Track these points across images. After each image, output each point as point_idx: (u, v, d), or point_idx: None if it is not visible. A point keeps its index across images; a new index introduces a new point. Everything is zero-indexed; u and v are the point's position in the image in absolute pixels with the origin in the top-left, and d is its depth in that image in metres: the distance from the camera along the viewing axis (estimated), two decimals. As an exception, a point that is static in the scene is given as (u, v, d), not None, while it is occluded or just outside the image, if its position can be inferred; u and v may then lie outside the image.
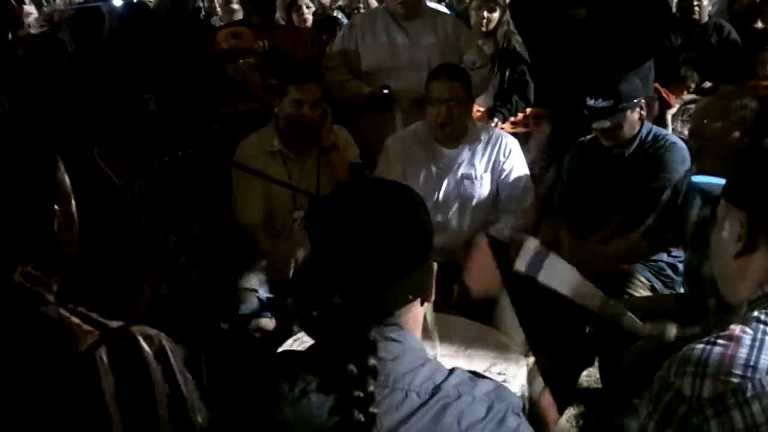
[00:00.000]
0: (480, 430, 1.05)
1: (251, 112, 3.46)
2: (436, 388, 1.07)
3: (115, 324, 1.02)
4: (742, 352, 1.18)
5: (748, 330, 1.21)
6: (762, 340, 1.19)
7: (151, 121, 2.73)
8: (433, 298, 1.19)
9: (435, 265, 1.19)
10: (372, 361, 1.05)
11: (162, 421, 0.99)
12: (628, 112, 2.93)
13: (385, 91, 3.57)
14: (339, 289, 1.11)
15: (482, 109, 4.02)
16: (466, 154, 3.14)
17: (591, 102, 2.94)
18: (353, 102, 3.63)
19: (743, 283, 1.30)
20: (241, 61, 3.55)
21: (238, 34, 3.63)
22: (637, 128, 2.98)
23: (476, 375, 1.13)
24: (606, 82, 2.97)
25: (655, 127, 3.09)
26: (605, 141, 3.00)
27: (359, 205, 1.15)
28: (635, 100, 2.95)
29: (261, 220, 3.07)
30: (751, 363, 1.17)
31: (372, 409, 1.02)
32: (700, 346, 1.21)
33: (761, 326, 1.21)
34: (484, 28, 4.13)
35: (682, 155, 2.92)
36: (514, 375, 2.00)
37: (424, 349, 1.15)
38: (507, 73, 4.13)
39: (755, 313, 1.24)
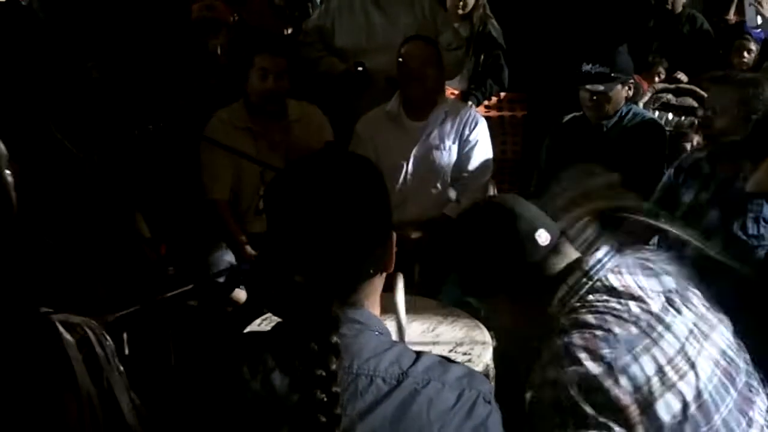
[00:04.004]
0: (449, 420, 1.01)
1: (222, 86, 3.43)
2: (404, 374, 1.03)
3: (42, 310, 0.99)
4: (597, 331, 1.29)
5: (584, 312, 1.33)
6: (602, 314, 1.32)
7: (95, 89, 2.69)
8: (392, 268, 1.15)
9: (394, 235, 1.15)
10: (334, 339, 1.01)
11: (84, 410, 0.96)
12: (619, 85, 3.01)
13: (360, 69, 3.56)
14: (298, 266, 1.06)
15: (456, 92, 4.02)
16: (435, 125, 3.19)
17: (587, 67, 3.00)
18: (328, 78, 3.62)
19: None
20: (213, 41, 3.52)
21: (212, 6, 3.58)
22: (621, 105, 3.06)
23: (446, 360, 1.09)
24: (603, 51, 3.04)
25: (635, 106, 3.19)
26: (590, 110, 3.05)
27: (317, 176, 1.10)
28: (627, 75, 3.04)
29: (229, 197, 3.07)
30: (609, 334, 1.29)
31: (335, 389, 0.99)
32: (558, 342, 1.31)
33: (589, 308, 1.34)
34: (460, 11, 4.12)
35: (659, 133, 3.01)
36: (479, 355, 2.01)
37: (388, 331, 1.12)
38: (482, 57, 4.14)
39: (576, 303, 1.37)
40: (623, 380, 1.25)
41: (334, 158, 1.17)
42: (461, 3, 4.10)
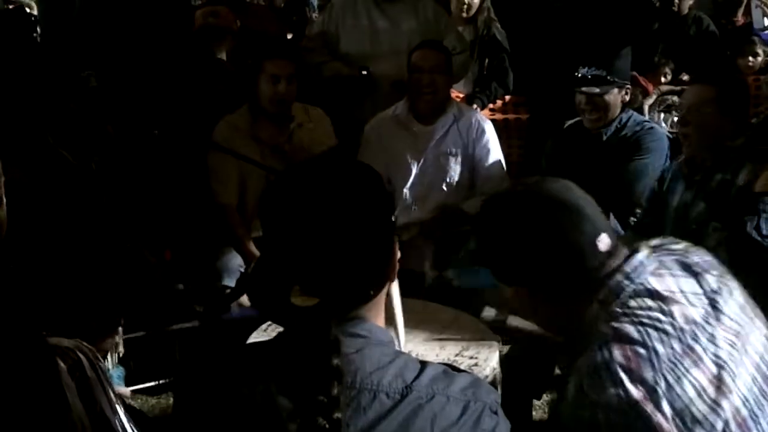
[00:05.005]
0: None
1: (231, 92, 3.43)
2: (408, 388, 1.01)
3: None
4: (640, 348, 1.23)
5: (626, 321, 1.27)
6: (645, 326, 1.25)
7: (92, 97, 2.69)
8: (395, 278, 1.12)
9: (397, 245, 1.12)
10: (335, 362, 0.98)
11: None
12: (616, 90, 2.98)
13: (364, 73, 3.56)
14: (296, 280, 1.03)
15: (461, 96, 4.02)
16: (442, 130, 3.19)
17: (583, 71, 2.98)
18: (332, 83, 3.62)
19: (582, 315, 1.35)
20: (219, 47, 3.53)
21: (216, 13, 3.58)
22: (618, 111, 3.02)
23: (452, 368, 1.07)
24: (600, 54, 3.02)
25: (635, 113, 3.14)
26: (587, 115, 3.02)
27: (314, 185, 1.06)
28: (624, 80, 3.00)
29: (236, 202, 3.07)
30: (652, 353, 1.22)
31: (336, 415, 0.97)
32: (599, 357, 1.24)
33: (632, 318, 1.27)
34: (464, 14, 4.13)
35: (659, 140, 2.97)
36: (486, 359, 1.99)
37: (392, 340, 1.09)
38: (486, 61, 4.14)
39: (617, 309, 1.29)
40: (665, 405, 1.20)
41: (334, 166, 1.12)
42: (465, 7, 4.11)
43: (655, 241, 1.48)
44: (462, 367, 1.92)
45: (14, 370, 0.91)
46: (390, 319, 1.86)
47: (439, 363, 1.08)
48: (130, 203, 2.70)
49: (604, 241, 1.34)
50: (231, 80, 3.48)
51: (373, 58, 3.62)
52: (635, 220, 2.79)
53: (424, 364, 1.05)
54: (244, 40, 3.70)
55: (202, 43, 3.54)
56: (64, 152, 2.52)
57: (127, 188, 2.73)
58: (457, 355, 2.03)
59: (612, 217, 2.89)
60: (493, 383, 1.91)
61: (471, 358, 2.01)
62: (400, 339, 1.93)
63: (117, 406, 1.01)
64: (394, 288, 1.86)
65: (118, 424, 1.01)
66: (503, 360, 2.05)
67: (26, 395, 0.91)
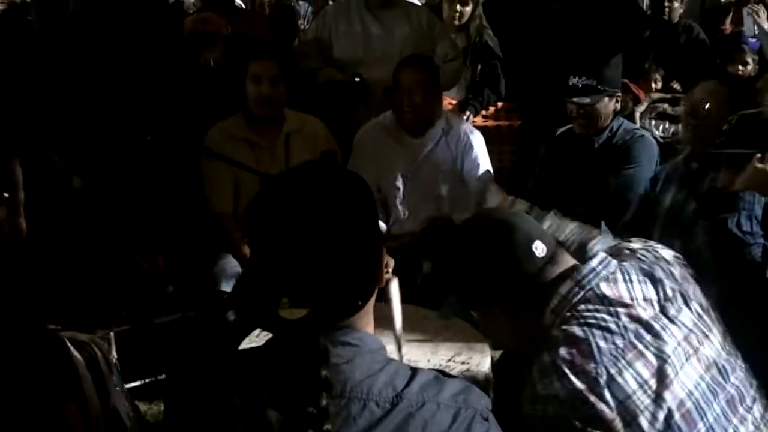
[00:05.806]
0: None
1: (221, 98, 3.44)
2: (398, 397, 1.00)
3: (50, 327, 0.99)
4: (583, 345, 1.31)
5: (573, 323, 1.35)
6: (590, 326, 1.33)
7: (84, 103, 2.68)
8: (383, 283, 1.11)
9: (384, 252, 1.12)
10: (324, 373, 0.98)
11: (92, 428, 0.96)
12: (606, 99, 2.99)
13: (357, 79, 3.57)
14: (284, 292, 1.02)
15: (454, 102, 4.04)
16: (431, 143, 3.18)
17: (574, 80, 2.99)
18: (325, 89, 3.63)
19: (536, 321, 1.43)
20: (208, 54, 3.54)
21: (205, 19, 3.59)
22: (610, 119, 3.04)
23: (443, 374, 1.07)
24: (591, 63, 3.03)
25: (626, 121, 3.16)
26: (579, 123, 3.04)
27: (299, 194, 1.05)
28: (615, 88, 3.01)
29: (232, 209, 3.06)
30: (594, 348, 1.31)
31: (326, 426, 0.96)
32: (546, 357, 1.32)
33: (579, 320, 1.35)
34: (456, 22, 4.14)
35: (649, 148, 2.98)
36: (478, 364, 2.00)
37: (383, 347, 1.08)
38: (479, 67, 4.16)
39: (567, 313, 1.38)
40: (607, 395, 1.28)
41: (319, 174, 1.11)
42: (457, 14, 4.12)
43: (632, 245, 1.53)
44: (454, 372, 1.93)
45: (30, 362, 0.92)
46: (389, 322, 1.88)
47: (431, 369, 1.08)
48: (122, 210, 2.70)
49: (539, 248, 1.43)
50: (223, 86, 3.49)
51: (366, 64, 3.63)
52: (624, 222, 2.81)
53: (414, 371, 1.05)
54: (234, 46, 3.71)
55: (192, 49, 3.55)
56: (55, 158, 2.52)
57: (119, 195, 2.72)
58: (449, 360, 2.04)
59: (603, 224, 2.91)
60: (485, 388, 1.92)
61: (463, 363, 2.02)
62: (399, 339, 1.91)
63: (126, 403, 1.03)
64: (394, 291, 1.86)
65: (127, 419, 1.02)
66: (495, 365, 2.06)
67: (41, 386, 0.92)
